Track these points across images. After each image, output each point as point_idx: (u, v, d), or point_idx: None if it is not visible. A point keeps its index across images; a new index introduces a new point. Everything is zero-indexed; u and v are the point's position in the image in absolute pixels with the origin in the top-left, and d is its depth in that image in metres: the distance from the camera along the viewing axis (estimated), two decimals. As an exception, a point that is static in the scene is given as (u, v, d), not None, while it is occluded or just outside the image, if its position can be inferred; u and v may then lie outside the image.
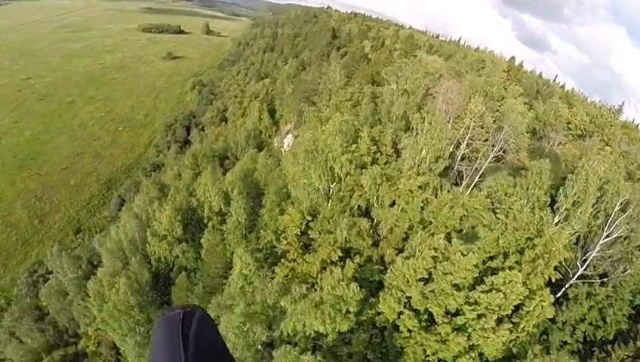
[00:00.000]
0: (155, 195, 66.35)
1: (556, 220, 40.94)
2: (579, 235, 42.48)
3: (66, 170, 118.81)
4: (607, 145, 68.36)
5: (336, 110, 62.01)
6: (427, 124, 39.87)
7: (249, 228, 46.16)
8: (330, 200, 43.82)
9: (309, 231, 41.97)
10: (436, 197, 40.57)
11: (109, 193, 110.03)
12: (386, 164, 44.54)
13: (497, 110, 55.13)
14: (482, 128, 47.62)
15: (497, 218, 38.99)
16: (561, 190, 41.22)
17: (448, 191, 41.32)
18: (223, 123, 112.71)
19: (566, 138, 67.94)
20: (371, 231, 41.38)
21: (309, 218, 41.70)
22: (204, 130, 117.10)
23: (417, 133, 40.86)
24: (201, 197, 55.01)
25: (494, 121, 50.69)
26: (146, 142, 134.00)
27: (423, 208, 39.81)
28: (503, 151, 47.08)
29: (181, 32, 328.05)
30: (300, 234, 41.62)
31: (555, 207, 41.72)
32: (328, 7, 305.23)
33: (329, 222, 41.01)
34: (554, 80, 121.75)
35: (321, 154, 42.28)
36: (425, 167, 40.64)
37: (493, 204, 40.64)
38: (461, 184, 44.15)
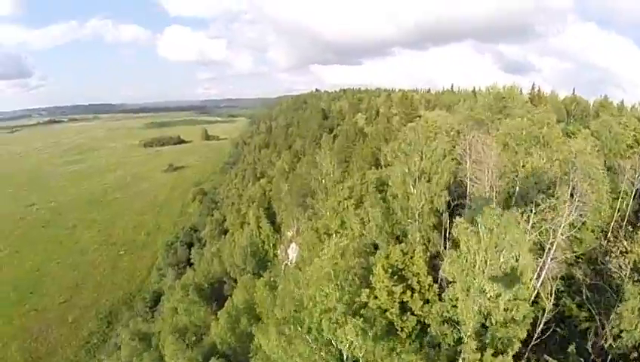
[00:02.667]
0: (131, 352, 56.51)
1: None
2: None
3: (64, 305, 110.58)
4: None
5: (334, 214, 50.59)
6: (484, 233, 21.88)
7: None
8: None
9: None
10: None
11: (109, 329, 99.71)
12: (425, 305, 28.48)
13: (557, 159, 36.04)
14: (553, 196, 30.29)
15: None
16: None
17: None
18: (223, 236, 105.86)
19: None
20: None
21: None
22: (205, 246, 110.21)
23: (468, 252, 23.08)
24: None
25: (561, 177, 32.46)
26: (148, 264, 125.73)
27: None
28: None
29: (181, 141, 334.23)
30: None
31: None
32: (317, 90, 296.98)
33: None
34: (572, 94, 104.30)
35: (309, 319, 25.56)
36: (498, 317, 22.65)
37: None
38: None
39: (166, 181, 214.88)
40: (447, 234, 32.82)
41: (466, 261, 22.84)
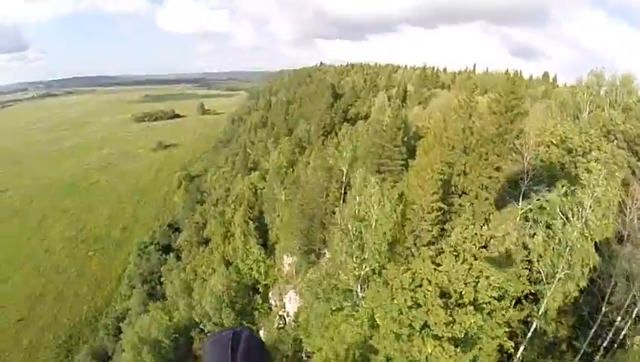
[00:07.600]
0: None
1: None
2: None
3: (21, 324, 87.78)
4: None
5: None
6: None
7: None
8: None
9: None
10: None
11: (68, 360, 77.66)
12: None
13: None
14: None
15: None
16: None
17: None
18: (203, 247, 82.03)
19: None
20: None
21: None
22: (181, 256, 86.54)
23: None
24: None
25: None
26: (119, 271, 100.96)
27: None
28: None
29: (176, 116, 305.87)
30: None
31: None
32: (321, 63, 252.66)
33: None
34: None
35: None
36: None
37: None
38: None
39: (153, 161, 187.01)
40: None
41: None
